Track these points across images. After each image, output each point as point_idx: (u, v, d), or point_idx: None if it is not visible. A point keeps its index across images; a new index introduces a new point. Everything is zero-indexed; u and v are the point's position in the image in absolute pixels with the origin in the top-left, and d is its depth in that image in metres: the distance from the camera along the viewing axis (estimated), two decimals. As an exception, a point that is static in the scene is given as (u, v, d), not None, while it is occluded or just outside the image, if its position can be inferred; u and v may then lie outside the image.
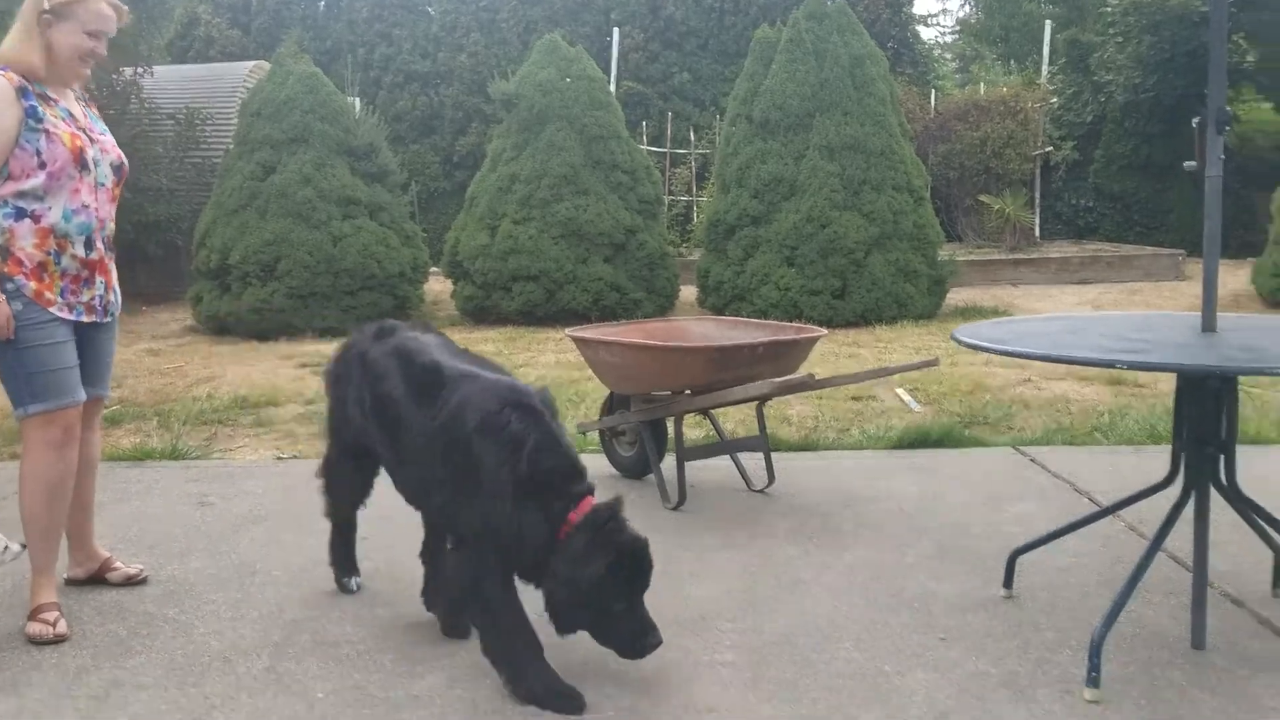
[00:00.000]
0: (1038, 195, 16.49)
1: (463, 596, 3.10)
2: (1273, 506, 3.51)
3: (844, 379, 5.01)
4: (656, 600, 3.36)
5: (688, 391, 4.90)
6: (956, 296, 12.08)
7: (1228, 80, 13.72)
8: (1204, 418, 3.31)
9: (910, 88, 16.48)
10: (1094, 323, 3.92)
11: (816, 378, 4.77)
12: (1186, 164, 3.54)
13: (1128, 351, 3.13)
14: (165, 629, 3.59)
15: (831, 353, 9.14)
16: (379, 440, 3.36)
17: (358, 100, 14.02)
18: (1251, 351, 3.12)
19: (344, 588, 3.87)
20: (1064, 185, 17.52)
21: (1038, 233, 16.08)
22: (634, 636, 2.98)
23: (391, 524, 4.65)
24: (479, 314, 11.85)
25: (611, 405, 5.36)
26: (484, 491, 2.95)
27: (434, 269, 12.70)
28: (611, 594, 2.92)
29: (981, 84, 17.95)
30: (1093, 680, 3.03)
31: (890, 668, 3.23)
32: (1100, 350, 3.17)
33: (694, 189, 16.01)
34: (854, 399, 7.21)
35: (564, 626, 3.01)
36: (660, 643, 3.00)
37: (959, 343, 3.48)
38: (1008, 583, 3.82)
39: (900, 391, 7.45)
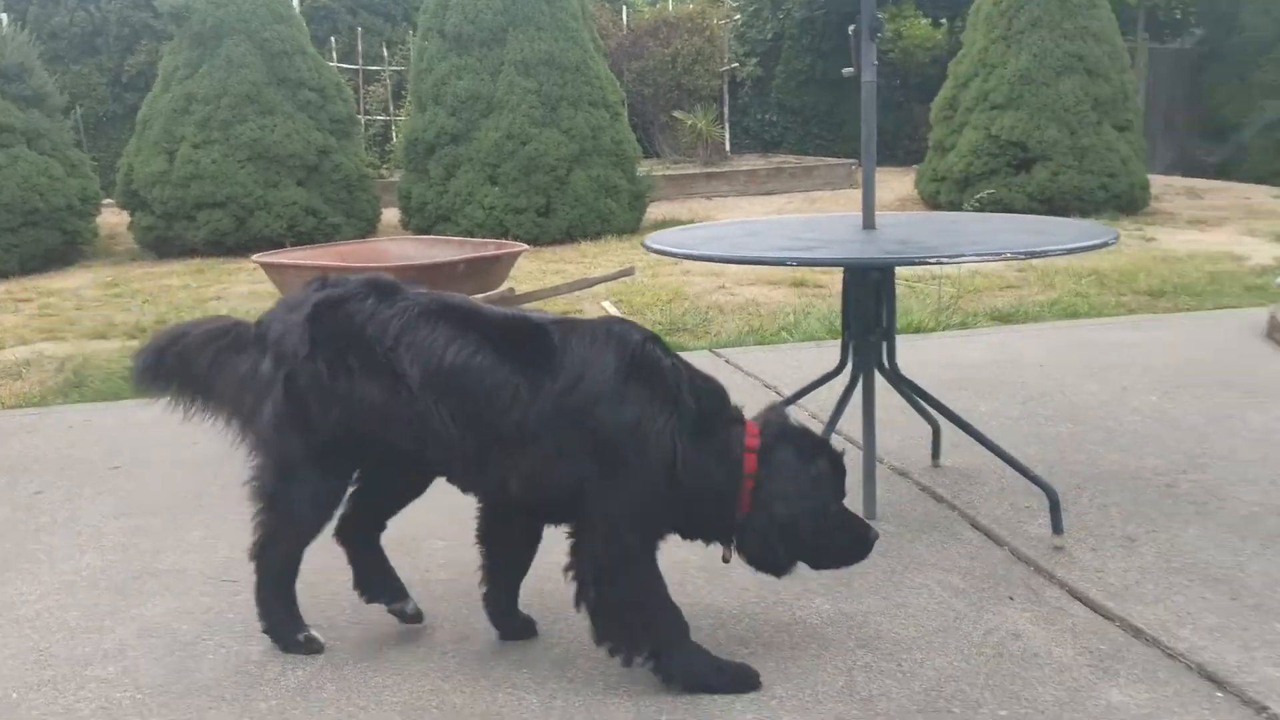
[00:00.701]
0: (726, 111, 17.13)
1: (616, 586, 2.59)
2: (930, 387, 3.88)
3: (545, 292, 5.06)
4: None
5: (388, 314, 4.80)
6: (656, 211, 12.42)
7: (891, -1, 14.37)
8: (866, 308, 3.60)
9: (603, 3, 16.58)
10: (771, 226, 4.15)
11: (517, 292, 4.80)
12: (845, 70, 3.78)
13: (799, 250, 3.34)
14: None
15: (539, 269, 9.21)
16: (442, 425, 2.57)
17: (4, 16, 12.51)
18: (905, 244, 3.40)
19: (312, 646, 2.87)
20: (750, 100, 18.28)
21: (728, 147, 16.75)
22: (857, 535, 2.72)
23: (67, 474, 4.32)
24: (161, 246, 11.04)
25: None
26: (651, 453, 2.51)
27: (107, 200, 11.67)
28: (831, 494, 2.67)
29: (670, 1, 18.30)
30: (779, 556, 3.26)
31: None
32: (775, 250, 3.37)
33: (391, 107, 15.49)
34: (562, 314, 7.30)
35: (787, 556, 2.65)
36: (879, 535, 2.77)
37: (649, 250, 3.59)
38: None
39: (605, 304, 7.62)
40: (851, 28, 3.69)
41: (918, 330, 6.41)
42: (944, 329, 6.55)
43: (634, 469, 2.51)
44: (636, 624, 2.59)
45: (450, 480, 2.77)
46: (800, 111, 18.10)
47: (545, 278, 8.66)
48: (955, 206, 11.50)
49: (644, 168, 12.31)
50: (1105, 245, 3.22)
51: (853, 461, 3.90)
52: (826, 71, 17.21)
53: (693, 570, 3.26)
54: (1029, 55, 11.25)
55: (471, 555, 2.91)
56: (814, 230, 3.88)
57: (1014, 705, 2.49)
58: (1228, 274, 7.74)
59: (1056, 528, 3.35)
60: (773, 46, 18.23)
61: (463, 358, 2.55)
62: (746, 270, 8.33)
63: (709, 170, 15.02)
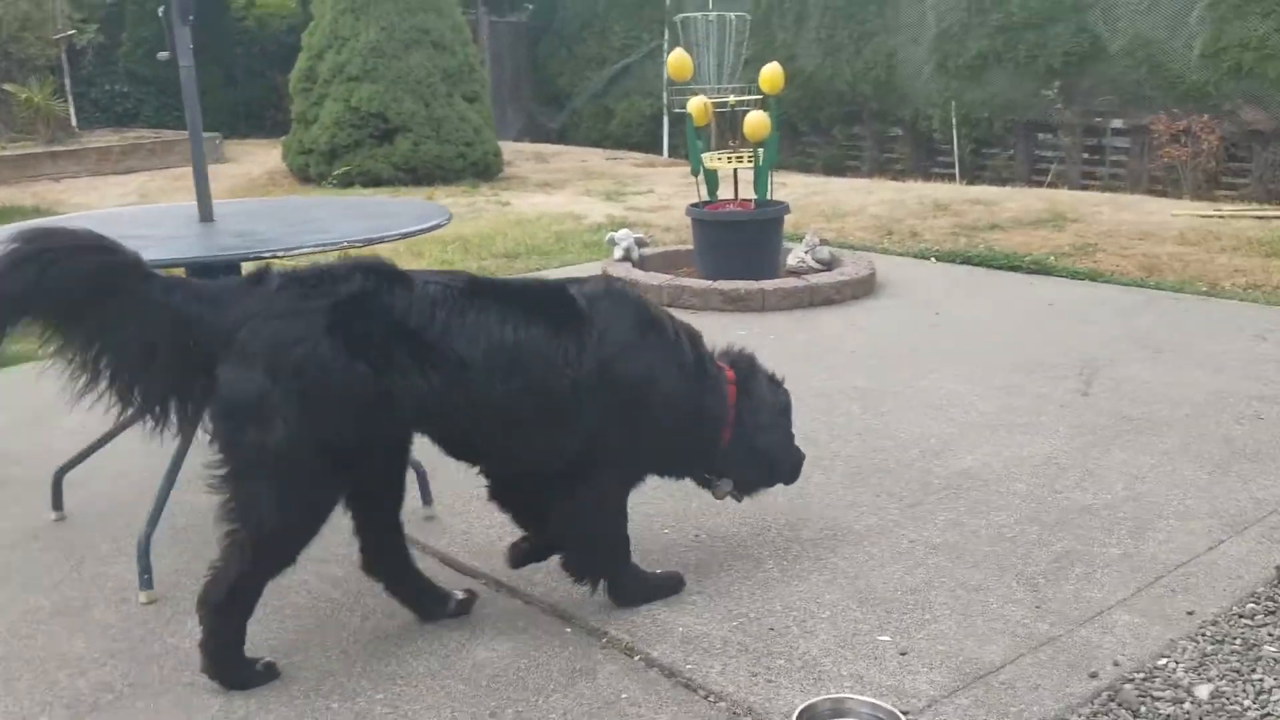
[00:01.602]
0: (69, 83, 15.41)
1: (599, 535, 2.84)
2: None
3: None
4: None
5: None
6: (-9, 197, 10.89)
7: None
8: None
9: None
10: (100, 222, 3.80)
11: None
12: (160, 54, 3.56)
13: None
14: None
15: None
16: (507, 401, 2.56)
17: None
18: (243, 237, 3.31)
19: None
20: (96, 70, 16.59)
21: (74, 122, 15.11)
22: (797, 457, 3.15)
23: None
24: None
25: None
26: (671, 400, 2.77)
27: None
28: (789, 421, 3.10)
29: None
30: (145, 582, 3.05)
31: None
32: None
33: None
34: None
35: (772, 477, 3.10)
36: (804, 455, 3.20)
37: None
38: (57, 505, 3.64)
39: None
40: (161, 10, 3.47)
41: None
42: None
43: (651, 413, 2.74)
44: (602, 557, 2.86)
45: (485, 460, 2.83)
46: (155, 81, 16.77)
47: None
48: (325, 178, 11.49)
49: (-34, 150, 10.69)
50: (439, 227, 3.40)
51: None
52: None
53: (46, 616, 2.95)
54: (378, 28, 11.47)
55: None
56: (149, 225, 3.64)
57: (390, 686, 2.58)
58: (570, 233, 8.59)
59: (426, 499, 3.50)
60: (114, 11, 16.65)
61: (520, 332, 2.56)
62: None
63: (54, 149, 13.46)
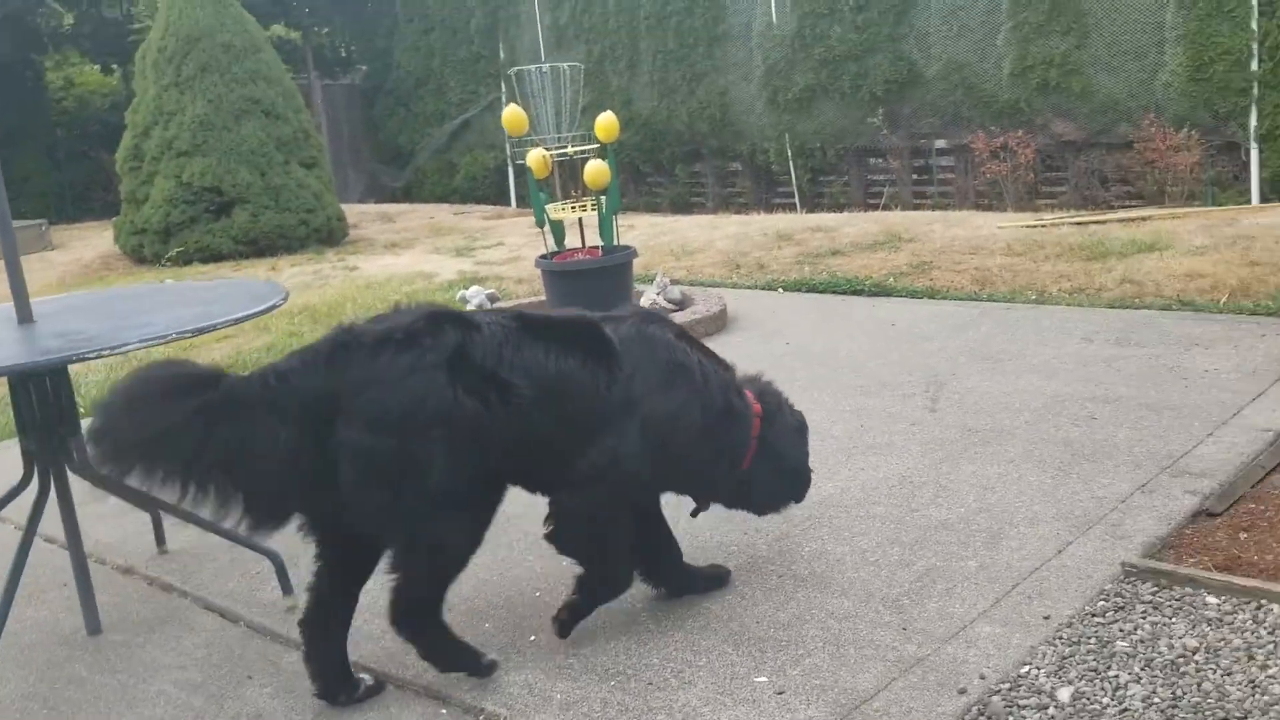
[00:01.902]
0: None
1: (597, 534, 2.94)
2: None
3: None
4: None
5: None
6: None
7: (51, 45, 13.37)
8: (44, 409, 3.28)
9: None
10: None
11: None
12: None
13: (-63, 363, 2.92)
14: None
15: None
16: (549, 427, 2.77)
17: None
18: (66, 337, 3.16)
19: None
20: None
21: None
22: (809, 479, 3.33)
23: None
24: None
25: None
26: (692, 437, 2.92)
27: None
28: (807, 445, 3.30)
29: None
30: (-11, 711, 2.87)
31: None
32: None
33: None
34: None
35: (785, 500, 3.28)
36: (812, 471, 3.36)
37: None
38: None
39: None
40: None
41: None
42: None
43: (672, 450, 2.90)
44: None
45: (527, 483, 2.95)
46: (-31, 170, 16.02)
47: None
48: (160, 258, 11.10)
49: None
50: (274, 308, 3.31)
51: (62, 569, 3.58)
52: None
53: None
54: (205, 101, 11.17)
55: None
56: (-40, 333, 3.43)
57: (259, 793, 2.47)
58: (422, 292, 8.48)
59: (286, 589, 3.38)
60: (-82, 102, 15.84)
61: (560, 364, 2.77)
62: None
63: None
